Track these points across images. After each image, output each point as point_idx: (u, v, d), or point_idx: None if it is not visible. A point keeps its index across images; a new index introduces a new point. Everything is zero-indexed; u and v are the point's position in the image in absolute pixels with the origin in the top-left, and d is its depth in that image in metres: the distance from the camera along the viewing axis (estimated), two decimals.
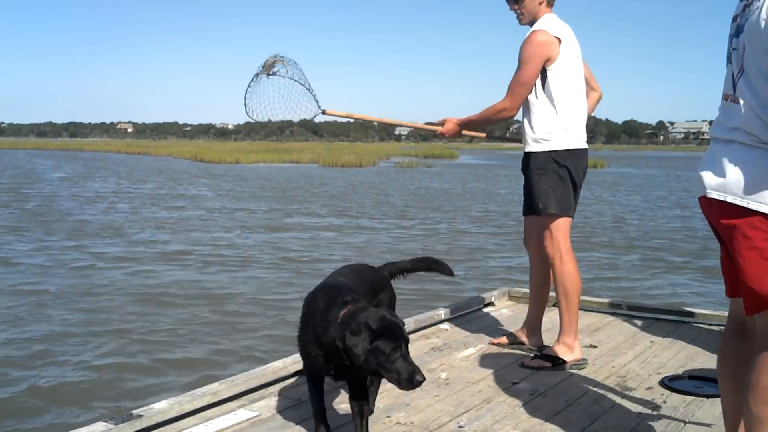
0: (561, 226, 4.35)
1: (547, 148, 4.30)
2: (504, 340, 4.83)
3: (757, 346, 2.36)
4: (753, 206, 2.26)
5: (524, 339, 4.75)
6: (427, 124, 4.74)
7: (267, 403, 3.70)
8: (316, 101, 4.49)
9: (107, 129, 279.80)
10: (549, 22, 4.26)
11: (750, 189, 2.27)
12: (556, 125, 4.28)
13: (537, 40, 4.21)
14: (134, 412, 3.35)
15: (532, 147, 4.36)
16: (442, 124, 4.63)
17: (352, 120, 4.77)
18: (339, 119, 4.66)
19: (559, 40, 4.23)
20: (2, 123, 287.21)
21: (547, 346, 4.54)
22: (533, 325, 4.74)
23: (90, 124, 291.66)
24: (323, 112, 4.47)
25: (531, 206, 4.44)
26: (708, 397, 3.82)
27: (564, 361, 4.31)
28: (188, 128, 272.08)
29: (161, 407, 3.43)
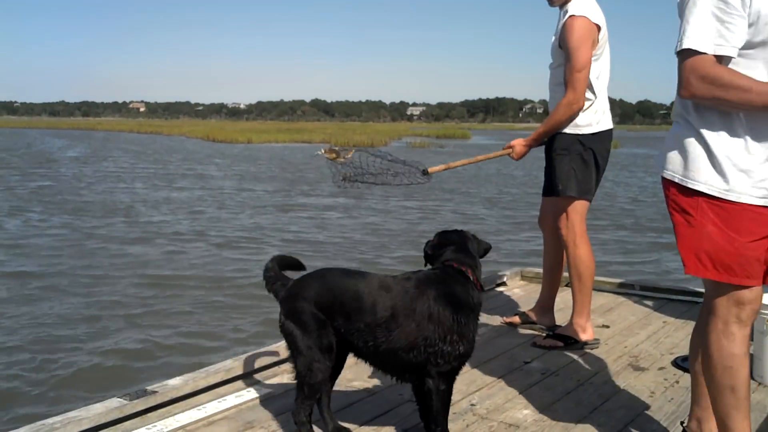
0: (578, 209, 4.32)
1: (573, 131, 4.24)
2: (516, 319, 4.83)
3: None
4: (666, 175, 2.48)
5: (536, 318, 4.75)
6: (497, 153, 4.59)
7: (280, 380, 3.72)
8: (416, 168, 4.09)
9: (119, 108, 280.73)
10: (585, 6, 4.14)
11: (666, 159, 2.50)
12: (590, 109, 4.23)
13: (581, 25, 4.08)
14: (149, 388, 3.39)
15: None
16: (510, 147, 4.47)
17: (459, 166, 4.41)
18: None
19: (598, 27, 4.16)
20: (15, 102, 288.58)
21: (560, 326, 4.54)
22: (546, 304, 4.74)
23: (102, 103, 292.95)
24: (425, 173, 4.18)
25: (551, 187, 4.42)
26: None
27: (576, 341, 4.32)
28: (200, 108, 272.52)
29: (175, 383, 3.46)
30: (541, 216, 4.73)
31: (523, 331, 4.72)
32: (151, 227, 14.25)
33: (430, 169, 4.14)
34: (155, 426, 3.13)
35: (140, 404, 3.24)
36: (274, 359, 3.95)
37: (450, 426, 3.16)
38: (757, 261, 2.40)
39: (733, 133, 2.35)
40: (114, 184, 23.31)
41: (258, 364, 3.85)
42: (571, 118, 4.21)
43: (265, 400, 3.46)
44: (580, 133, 4.25)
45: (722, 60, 2.28)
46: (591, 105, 4.23)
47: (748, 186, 2.35)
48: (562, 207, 4.34)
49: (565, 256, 4.45)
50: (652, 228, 15.24)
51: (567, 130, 4.26)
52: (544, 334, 4.49)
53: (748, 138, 2.34)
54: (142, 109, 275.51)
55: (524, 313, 4.86)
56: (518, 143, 4.46)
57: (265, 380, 3.73)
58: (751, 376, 3.77)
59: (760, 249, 2.40)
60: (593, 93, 4.22)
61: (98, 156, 39.37)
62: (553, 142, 4.33)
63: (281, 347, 4.06)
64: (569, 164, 4.27)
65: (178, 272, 10.15)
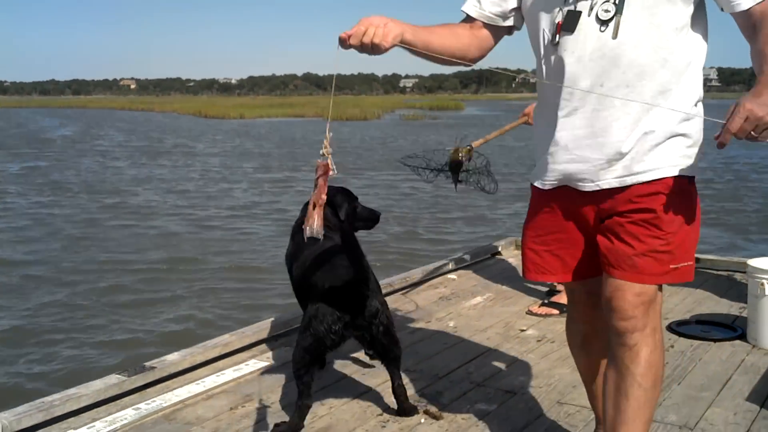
0: None
1: None
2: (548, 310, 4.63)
3: None
4: None
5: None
6: (516, 123, 4.55)
7: (277, 354, 3.74)
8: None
9: (110, 86, 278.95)
10: None
11: None
12: None
13: None
14: (147, 364, 3.40)
15: None
16: (526, 116, 4.43)
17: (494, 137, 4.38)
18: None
19: None
20: (5, 81, 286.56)
21: (557, 292, 4.55)
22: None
23: (93, 81, 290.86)
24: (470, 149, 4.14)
25: None
26: (715, 341, 3.85)
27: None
28: (191, 84, 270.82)
29: (173, 359, 3.47)
30: None
31: (518, 299, 4.74)
32: (144, 207, 14.18)
33: (474, 144, 4.11)
34: (154, 401, 3.15)
35: (139, 380, 3.26)
36: (272, 333, 3.97)
37: (447, 394, 3.20)
38: (550, 254, 2.22)
39: (537, 119, 2.28)
40: (106, 163, 23.22)
41: (255, 338, 3.87)
42: None
43: (263, 374, 3.49)
44: None
45: (471, 21, 2.20)
46: None
47: (540, 172, 2.19)
48: None
49: None
50: None
51: None
52: (539, 302, 4.51)
53: (541, 124, 2.20)
54: (132, 87, 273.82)
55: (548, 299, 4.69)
56: (533, 109, 4.40)
57: (263, 354, 3.75)
58: (746, 339, 3.82)
59: (554, 242, 2.21)
60: None
61: (91, 134, 39.16)
62: None
63: (278, 321, 4.08)
64: None
65: (171, 252, 10.11)
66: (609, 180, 2.03)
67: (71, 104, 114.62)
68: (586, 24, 1.96)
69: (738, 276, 5.04)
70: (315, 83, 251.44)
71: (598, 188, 2.05)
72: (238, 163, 22.54)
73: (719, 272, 5.25)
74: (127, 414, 3.03)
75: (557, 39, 2.00)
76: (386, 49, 1.95)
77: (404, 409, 2.99)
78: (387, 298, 4.69)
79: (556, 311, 4.33)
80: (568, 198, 2.13)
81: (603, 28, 1.94)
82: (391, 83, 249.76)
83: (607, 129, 1.99)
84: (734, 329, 4.00)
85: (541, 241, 2.23)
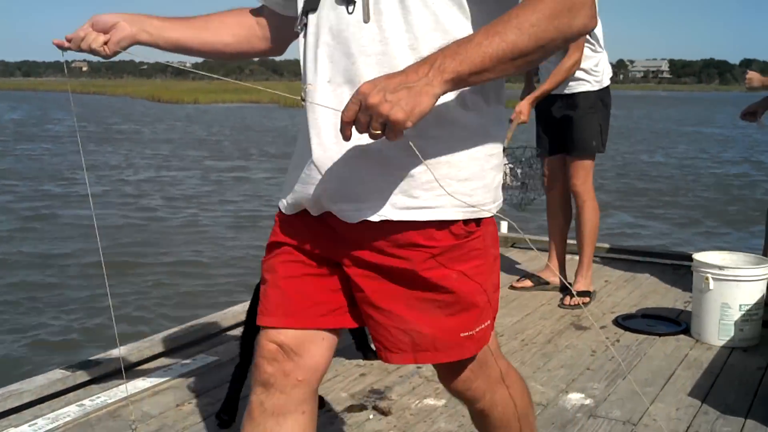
0: (593, 165, 4.40)
1: (596, 87, 4.28)
2: (528, 282, 4.73)
3: None
4: None
5: (552, 279, 4.70)
6: (513, 127, 4.38)
7: (226, 349, 3.69)
8: None
9: (62, 68, 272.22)
10: None
11: None
12: (601, 64, 4.29)
13: None
14: (91, 358, 3.38)
15: (582, 86, 4.26)
16: (520, 114, 4.23)
17: None
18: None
19: None
20: None
21: (571, 283, 4.57)
22: (562, 264, 4.70)
23: (44, 62, 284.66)
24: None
25: (574, 145, 4.34)
26: (660, 335, 3.92)
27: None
28: (144, 66, 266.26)
29: (119, 354, 3.42)
30: (551, 177, 4.56)
31: None
32: (91, 196, 13.89)
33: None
34: (99, 397, 3.09)
35: (83, 375, 3.20)
36: (221, 327, 3.93)
37: (396, 389, 3.21)
38: (274, 287, 1.61)
39: None
40: (54, 149, 22.78)
41: (203, 332, 3.83)
42: (569, 76, 4.20)
43: (211, 369, 3.45)
44: (600, 88, 4.31)
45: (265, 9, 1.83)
46: (601, 59, 4.30)
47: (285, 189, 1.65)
48: (584, 164, 4.34)
49: (580, 213, 4.44)
50: (598, 188, 15.43)
51: (590, 88, 4.28)
52: (568, 294, 4.46)
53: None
54: (85, 69, 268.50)
55: (533, 275, 4.77)
56: (525, 108, 4.24)
57: (211, 348, 3.71)
58: (690, 334, 3.90)
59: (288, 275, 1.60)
60: (600, 47, 4.28)
61: (41, 118, 38.33)
62: (578, 102, 4.29)
63: (224, 316, 4.04)
64: (598, 121, 4.31)
65: (117, 244, 9.91)
66: (341, 211, 1.50)
67: (21, 86, 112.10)
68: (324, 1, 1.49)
69: (683, 270, 5.14)
70: (271, 68, 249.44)
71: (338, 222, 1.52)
72: (190, 150, 22.26)
73: (665, 266, 5.34)
74: (71, 411, 2.97)
75: (304, 19, 1.53)
76: (110, 56, 1.74)
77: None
78: None
79: (587, 298, 4.44)
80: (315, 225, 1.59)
81: (350, 9, 1.43)
82: None
83: (331, 147, 1.47)
84: (678, 323, 4.08)
85: (271, 266, 1.65)
